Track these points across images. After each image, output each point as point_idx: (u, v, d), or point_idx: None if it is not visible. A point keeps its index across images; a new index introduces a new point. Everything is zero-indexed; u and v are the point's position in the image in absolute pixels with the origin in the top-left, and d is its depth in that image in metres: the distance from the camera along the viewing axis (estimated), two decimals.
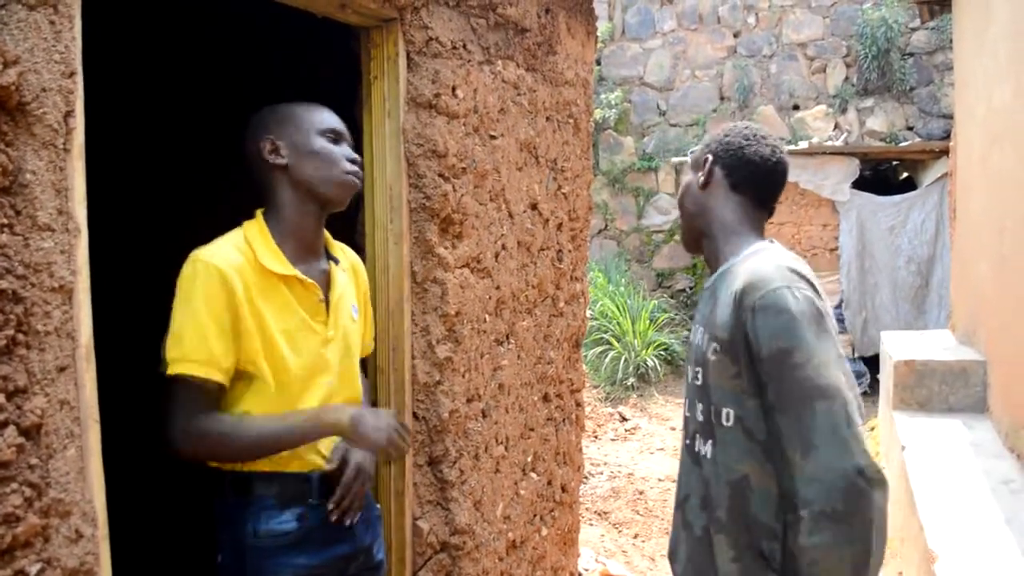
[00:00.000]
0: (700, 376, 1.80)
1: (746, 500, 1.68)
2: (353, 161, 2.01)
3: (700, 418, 1.81)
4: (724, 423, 1.72)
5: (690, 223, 1.97)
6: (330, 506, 1.95)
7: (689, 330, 10.21)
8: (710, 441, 1.76)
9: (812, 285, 1.69)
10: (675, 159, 10.61)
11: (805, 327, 1.59)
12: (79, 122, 1.46)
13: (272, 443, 1.85)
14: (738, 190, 1.89)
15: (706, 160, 1.92)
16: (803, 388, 1.56)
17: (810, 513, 1.52)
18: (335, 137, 2.00)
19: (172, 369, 1.77)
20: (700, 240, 1.95)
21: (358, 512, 2.02)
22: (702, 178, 1.91)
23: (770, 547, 1.66)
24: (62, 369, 1.40)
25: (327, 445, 2.00)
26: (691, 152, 2.02)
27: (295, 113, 2.00)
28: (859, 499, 1.49)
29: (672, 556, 1.92)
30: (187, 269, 1.81)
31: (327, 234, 2.13)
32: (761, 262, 1.72)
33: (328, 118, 2.02)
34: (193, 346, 1.77)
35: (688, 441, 1.88)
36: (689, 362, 1.90)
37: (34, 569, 1.34)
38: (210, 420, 1.80)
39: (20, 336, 1.32)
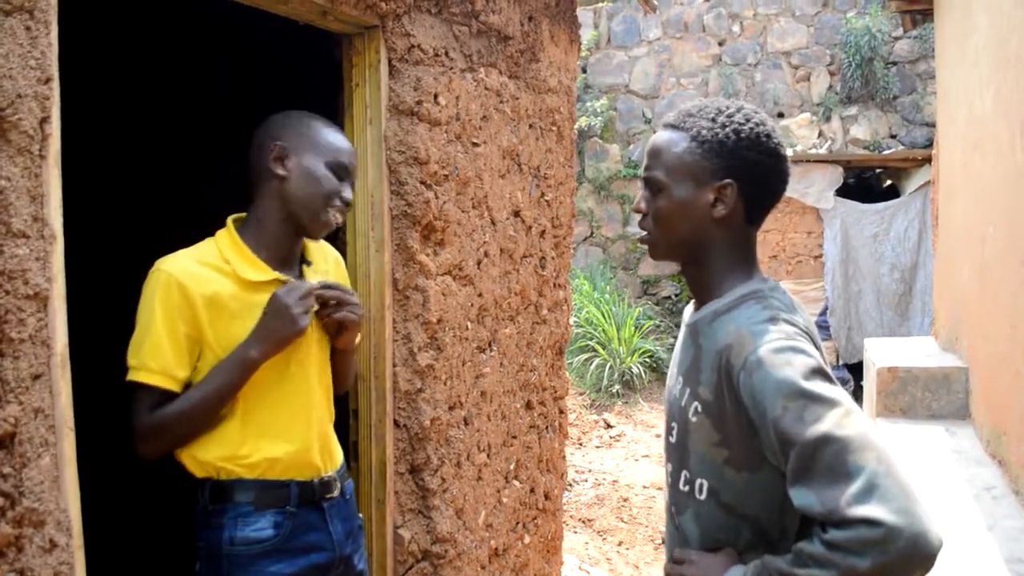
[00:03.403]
0: (675, 433, 1.55)
1: None
2: (345, 202, 1.98)
3: (670, 480, 1.59)
4: (697, 495, 1.50)
5: (678, 244, 1.57)
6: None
7: (674, 337, 10.21)
8: (686, 513, 1.54)
9: (807, 334, 1.45)
10: None
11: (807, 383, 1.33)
12: (55, 128, 1.44)
13: (215, 392, 1.84)
14: (751, 220, 1.55)
15: (727, 187, 1.49)
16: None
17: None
18: (341, 174, 1.97)
19: (131, 375, 1.82)
20: (682, 262, 1.60)
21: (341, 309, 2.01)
22: (722, 209, 1.50)
23: None
24: (37, 377, 1.39)
25: (315, 456, 1.99)
26: (680, 139, 1.53)
27: (316, 132, 1.97)
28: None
29: None
30: (149, 277, 1.85)
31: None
32: (752, 312, 1.46)
33: (344, 153, 1.99)
34: (149, 355, 1.81)
35: (670, 507, 1.62)
36: (666, 411, 1.63)
37: None
38: (162, 410, 1.82)
39: None
